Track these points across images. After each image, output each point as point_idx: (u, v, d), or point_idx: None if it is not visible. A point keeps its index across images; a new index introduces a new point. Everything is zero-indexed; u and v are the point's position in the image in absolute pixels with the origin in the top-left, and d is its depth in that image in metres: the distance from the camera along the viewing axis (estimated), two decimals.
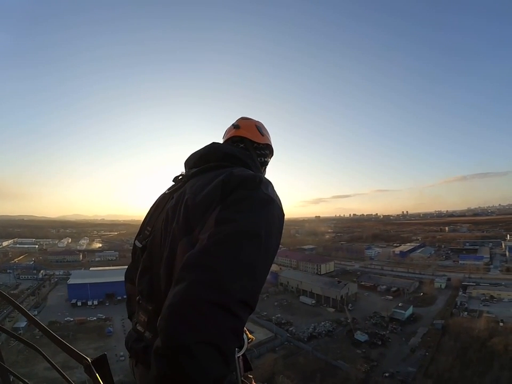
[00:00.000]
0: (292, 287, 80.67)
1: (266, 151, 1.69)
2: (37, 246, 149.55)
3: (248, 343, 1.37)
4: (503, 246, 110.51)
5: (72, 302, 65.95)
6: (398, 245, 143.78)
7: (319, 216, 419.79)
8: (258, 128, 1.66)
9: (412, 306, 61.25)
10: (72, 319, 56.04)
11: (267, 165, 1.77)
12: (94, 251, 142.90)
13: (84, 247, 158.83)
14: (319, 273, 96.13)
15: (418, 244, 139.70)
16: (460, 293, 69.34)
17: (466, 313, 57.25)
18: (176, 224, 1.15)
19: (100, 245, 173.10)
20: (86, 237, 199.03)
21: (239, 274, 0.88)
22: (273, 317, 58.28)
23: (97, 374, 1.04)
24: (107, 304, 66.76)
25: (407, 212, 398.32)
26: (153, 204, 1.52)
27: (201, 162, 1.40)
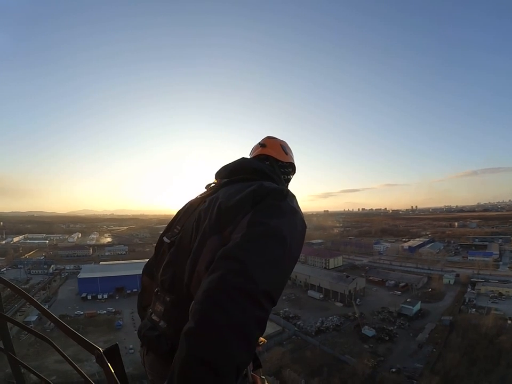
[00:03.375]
0: (300, 281, 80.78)
1: (289, 169, 1.88)
2: (47, 241, 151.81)
3: (259, 344, 1.46)
4: None
5: (82, 295, 66.91)
6: (406, 240, 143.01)
7: (327, 211, 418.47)
8: (283, 147, 1.85)
9: (420, 302, 61.04)
10: (82, 313, 57.02)
11: (290, 181, 1.95)
12: (103, 246, 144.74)
13: (94, 241, 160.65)
14: (327, 267, 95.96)
15: (427, 239, 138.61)
16: (469, 289, 68.70)
17: (474, 310, 56.73)
18: (208, 223, 1.28)
19: (110, 240, 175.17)
20: (95, 232, 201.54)
21: (265, 268, 1.01)
22: (281, 311, 58.29)
23: (109, 364, 1.06)
24: (117, 297, 67.73)
25: (416, 206, 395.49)
26: (184, 206, 1.66)
27: (232, 174, 1.57)
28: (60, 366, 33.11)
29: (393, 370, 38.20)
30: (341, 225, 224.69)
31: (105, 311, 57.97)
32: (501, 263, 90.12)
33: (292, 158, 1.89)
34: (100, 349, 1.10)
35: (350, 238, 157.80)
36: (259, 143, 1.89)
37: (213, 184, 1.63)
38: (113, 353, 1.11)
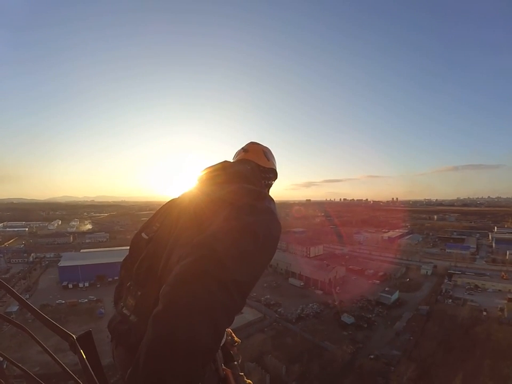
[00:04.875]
0: (281, 269, 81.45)
1: (270, 174, 1.95)
2: (26, 229, 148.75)
3: (234, 345, 1.68)
4: (490, 238, 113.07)
5: (63, 284, 65.90)
6: (386, 230, 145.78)
7: (310, 200, 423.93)
8: (265, 153, 1.95)
9: (398, 291, 62.30)
10: (63, 302, 56.05)
11: (271, 186, 2.03)
12: (84, 233, 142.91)
13: (74, 229, 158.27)
14: (308, 256, 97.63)
15: (406, 231, 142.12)
16: (445, 281, 70.67)
17: (450, 300, 58.33)
18: (188, 217, 1.36)
19: (90, 227, 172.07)
20: (76, 219, 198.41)
21: (237, 260, 1.04)
22: (262, 298, 58.93)
23: (81, 351, 1.05)
24: (98, 285, 66.94)
25: (397, 198, 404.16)
26: (165, 205, 1.69)
27: (214, 176, 1.63)
28: (43, 357, 32.22)
29: (372, 357, 38.76)
30: (323, 214, 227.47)
31: (86, 300, 57.17)
32: (477, 256, 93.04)
33: (273, 164, 1.97)
34: (73, 335, 1.09)
35: (331, 228, 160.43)
36: (242, 148, 1.97)
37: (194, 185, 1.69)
38: (87, 340, 1.11)
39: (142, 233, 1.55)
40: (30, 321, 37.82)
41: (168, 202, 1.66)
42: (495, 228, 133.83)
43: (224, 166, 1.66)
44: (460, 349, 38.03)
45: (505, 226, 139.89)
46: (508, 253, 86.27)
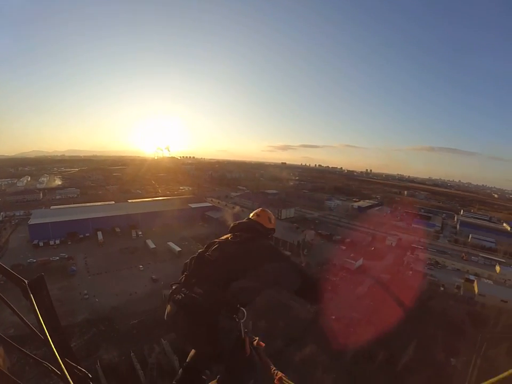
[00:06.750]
0: None
1: (272, 232, 3.31)
2: None
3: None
4: (455, 219, 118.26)
5: (34, 242, 63.84)
6: (357, 200, 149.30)
7: (285, 163, 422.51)
8: (269, 218, 3.33)
9: (362, 258, 64.65)
10: (34, 261, 54.62)
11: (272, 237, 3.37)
12: (54, 189, 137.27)
13: (44, 185, 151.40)
14: (279, 217, 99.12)
15: (376, 202, 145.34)
16: (408, 253, 73.60)
17: (411, 272, 60.90)
18: (257, 256, 2.64)
19: (60, 183, 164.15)
20: (45, 175, 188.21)
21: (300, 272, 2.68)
22: None
23: (32, 296, 1.06)
24: (69, 243, 65.36)
25: (371, 170, 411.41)
26: (216, 240, 2.90)
27: (244, 230, 2.98)
28: (17, 318, 30.37)
29: (333, 317, 40.48)
30: (297, 178, 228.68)
31: (58, 258, 55.84)
32: (441, 235, 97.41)
33: (274, 225, 3.35)
34: (25, 280, 1.09)
35: (304, 192, 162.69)
36: (255, 213, 3.39)
37: (235, 236, 2.87)
38: (39, 285, 1.11)
39: (207, 253, 2.71)
40: (2, 282, 35.93)
41: (219, 240, 2.87)
42: (462, 211, 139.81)
43: (251, 224, 3.15)
44: (416, 319, 39.85)
45: (472, 211, 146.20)
46: (470, 236, 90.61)
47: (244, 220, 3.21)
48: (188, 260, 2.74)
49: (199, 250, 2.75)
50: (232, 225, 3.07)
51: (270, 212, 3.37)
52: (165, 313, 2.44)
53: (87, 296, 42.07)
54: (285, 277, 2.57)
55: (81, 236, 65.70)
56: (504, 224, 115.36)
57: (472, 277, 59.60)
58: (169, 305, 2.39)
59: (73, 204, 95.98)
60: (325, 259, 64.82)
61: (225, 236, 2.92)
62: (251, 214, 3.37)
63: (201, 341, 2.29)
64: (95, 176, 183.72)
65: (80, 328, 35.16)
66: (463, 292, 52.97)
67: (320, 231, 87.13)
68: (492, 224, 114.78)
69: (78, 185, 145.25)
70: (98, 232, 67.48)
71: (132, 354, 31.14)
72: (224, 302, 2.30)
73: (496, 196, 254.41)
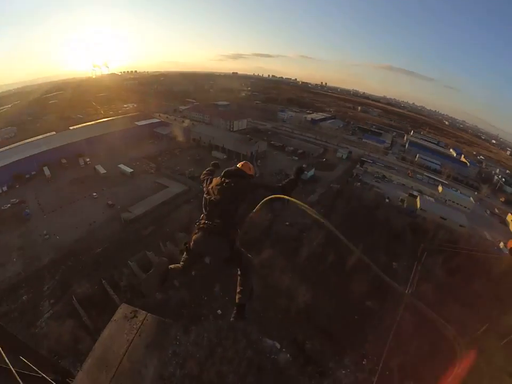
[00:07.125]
0: (204, 142, 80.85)
1: (251, 177, 3.98)
2: None
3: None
4: (405, 139, 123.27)
5: None
6: (310, 112, 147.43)
7: (236, 73, 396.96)
8: (249, 168, 4.05)
9: (314, 168, 65.61)
10: None
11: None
12: None
13: None
14: (231, 129, 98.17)
15: (329, 115, 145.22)
16: (357, 166, 76.84)
17: (359, 184, 63.48)
18: (243, 189, 3.58)
19: None
20: None
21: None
22: (187, 171, 60.91)
23: None
24: (17, 186, 55.71)
25: (325, 83, 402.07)
26: (217, 182, 3.81)
27: (232, 175, 3.77)
28: None
29: (287, 223, 42.33)
30: (249, 89, 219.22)
31: (9, 205, 48.50)
32: (390, 151, 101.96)
33: (252, 172, 4.06)
34: None
35: (256, 103, 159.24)
36: (240, 164, 4.12)
37: (228, 180, 3.71)
38: None
39: (212, 197, 3.57)
40: None
41: (217, 182, 3.77)
42: (412, 131, 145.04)
43: (237, 171, 3.87)
44: (363, 226, 42.22)
45: (422, 133, 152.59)
46: (418, 155, 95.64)
47: (232, 168, 3.92)
48: (203, 200, 3.69)
49: (207, 197, 3.65)
50: (223, 171, 3.82)
51: (250, 163, 4.19)
52: (191, 241, 3.47)
53: (48, 236, 39.65)
54: (261, 193, 3.53)
55: (28, 175, 57.70)
56: (451, 150, 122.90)
57: (415, 193, 62.91)
58: (197, 234, 3.43)
59: (12, 144, 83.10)
60: (277, 169, 65.19)
61: (219, 179, 3.80)
62: (237, 165, 4.12)
63: (224, 250, 3.37)
64: (32, 109, 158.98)
65: (49, 269, 33.84)
66: (406, 205, 56.13)
67: (272, 142, 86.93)
68: (439, 148, 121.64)
69: (14, 123, 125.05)
70: (44, 168, 59.64)
71: (103, 282, 31.18)
72: (232, 225, 3.40)
73: (447, 123, 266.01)
